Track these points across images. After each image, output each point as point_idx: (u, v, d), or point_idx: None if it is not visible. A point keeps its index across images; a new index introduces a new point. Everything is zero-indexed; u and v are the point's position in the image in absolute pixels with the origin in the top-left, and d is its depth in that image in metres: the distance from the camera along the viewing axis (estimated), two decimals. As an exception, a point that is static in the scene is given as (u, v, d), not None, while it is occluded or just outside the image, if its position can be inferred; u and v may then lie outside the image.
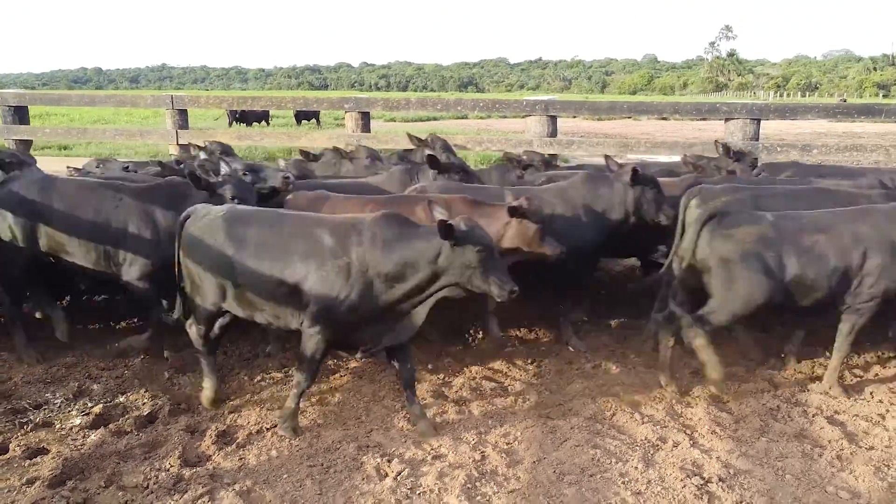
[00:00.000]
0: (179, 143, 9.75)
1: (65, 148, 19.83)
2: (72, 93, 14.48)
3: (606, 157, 6.10)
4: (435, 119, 41.02)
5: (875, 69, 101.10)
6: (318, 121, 33.69)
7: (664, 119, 41.53)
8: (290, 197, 5.67)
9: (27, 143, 11.16)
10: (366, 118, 9.76)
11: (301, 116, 33.18)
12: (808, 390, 5.15)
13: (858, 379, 5.36)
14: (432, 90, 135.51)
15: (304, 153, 8.00)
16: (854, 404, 4.92)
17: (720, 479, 3.98)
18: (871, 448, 4.34)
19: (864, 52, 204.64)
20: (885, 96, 75.92)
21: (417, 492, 3.89)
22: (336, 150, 8.01)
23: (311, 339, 4.32)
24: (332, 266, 4.18)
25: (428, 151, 6.79)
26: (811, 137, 25.61)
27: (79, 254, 5.48)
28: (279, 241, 4.35)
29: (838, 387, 5.06)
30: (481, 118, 42.71)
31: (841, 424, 4.63)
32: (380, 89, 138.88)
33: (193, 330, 4.83)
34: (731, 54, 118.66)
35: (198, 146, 7.73)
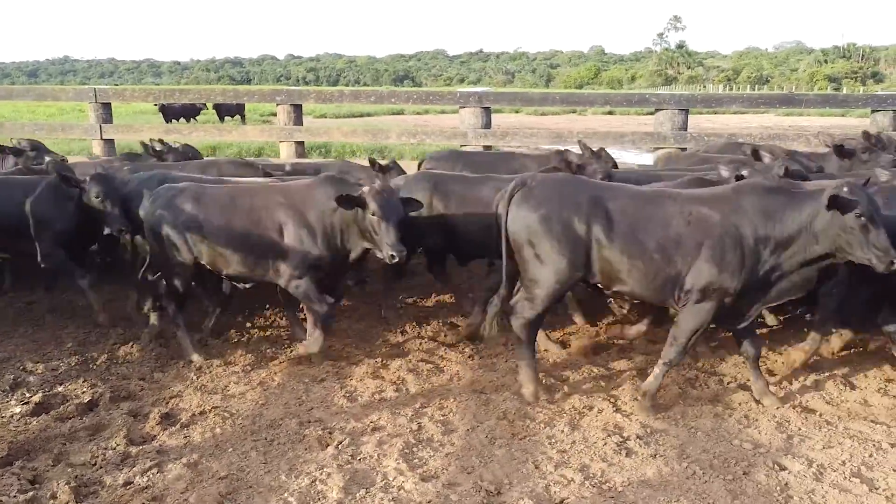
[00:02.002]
0: (104, 137, 10.10)
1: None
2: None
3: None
4: (369, 115, 41.66)
5: (826, 61, 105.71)
6: (242, 117, 33.86)
7: (610, 113, 43.10)
8: None
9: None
10: (298, 111, 10.28)
11: (224, 112, 33.31)
12: (725, 362, 5.94)
13: (773, 352, 6.16)
14: (365, 84, 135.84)
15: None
16: (765, 374, 5.69)
17: (638, 437, 4.68)
18: (778, 406, 5.12)
19: (816, 43, 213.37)
20: (836, 89, 79.49)
21: (358, 458, 4.47)
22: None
23: None
24: None
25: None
26: (756, 130, 27.11)
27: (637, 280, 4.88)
28: None
29: None
30: (418, 113, 43.39)
31: (751, 390, 5.40)
32: (308, 83, 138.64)
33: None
34: (681, 46, 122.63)
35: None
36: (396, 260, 5.37)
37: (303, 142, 10.29)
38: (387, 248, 5.35)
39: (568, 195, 4.90)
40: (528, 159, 7.74)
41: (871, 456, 4.43)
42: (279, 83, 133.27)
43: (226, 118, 33.27)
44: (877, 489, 4.07)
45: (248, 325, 6.81)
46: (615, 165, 7.24)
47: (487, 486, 4.13)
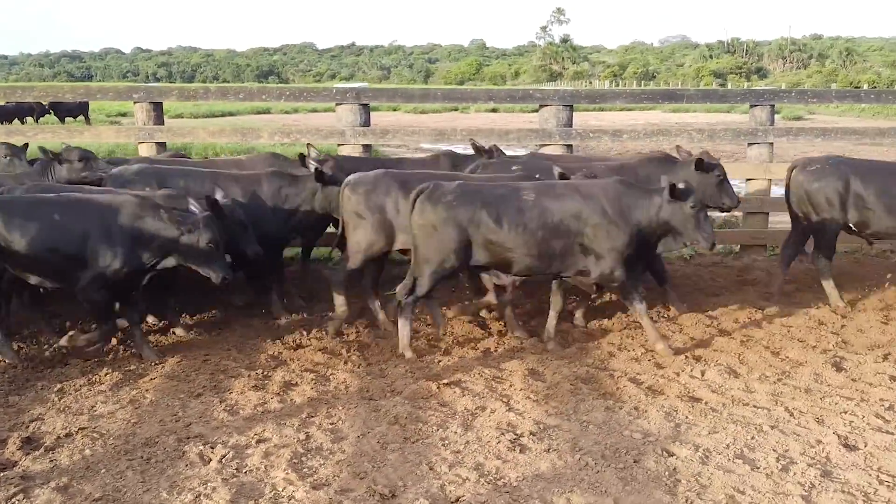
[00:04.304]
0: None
1: None
2: None
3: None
4: (231, 114, 41.09)
5: (711, 57, 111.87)
6: (86, 117, 32.71)
7: (494, 111, 44.26)
8: None
9: None
10: (158, 109, 10.23)
11: (64, 112, 32.04)
12: (615, 358, 6.45)
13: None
14: (225, 81, 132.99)
15: None
16: (653, 368, 6.25)
17: (532, 434, 5.07)
18: (666, 398, 5.64)
19: (700, 38, 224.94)
20: (721, 84, 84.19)
21: (244, 470, 4.65)
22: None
23: None
24: None
25: None
26: (642, 127, 28.57)
27: None
28: None
29: None
30: (286, 112, 43.12)
31: (640, 383, 5.91)
32: (159, 80, 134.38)
33: None
34: (565, 40, 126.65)
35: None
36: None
37: (164, 143, 10.25)
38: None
39: None
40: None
41: (753, 438, 4.98)
42: (126, 80, 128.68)
43: (67, 119, 32.01)
44: (758, 468, 4.60)
45: (115, 341, 6.80)
46: None
47: (382, 490, 4.39)
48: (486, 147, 8.37)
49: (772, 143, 9.81)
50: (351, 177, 7.02)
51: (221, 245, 6.21)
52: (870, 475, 4.52)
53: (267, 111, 43.40)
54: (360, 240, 6.91)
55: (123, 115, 35.84)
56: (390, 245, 6.94)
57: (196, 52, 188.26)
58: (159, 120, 10.25)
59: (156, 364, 6.31)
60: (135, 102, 10.29)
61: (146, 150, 10.05)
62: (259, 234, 6.89)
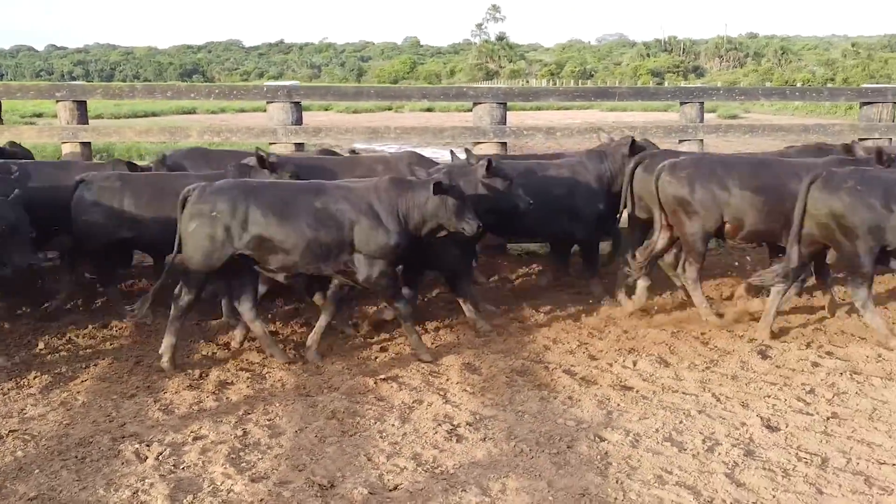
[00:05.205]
0: None
1: None
2: None
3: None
4: (154, 114, 40.67)
5: (648, 55, 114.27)
6: (-1, 118, 31.95)
7: (429, 110, 44.70)
8: None
9: None
10: (82, 108, 10.23)
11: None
12: (551, 350, 6.76)
13: (596, 339, 7.07)
14: (147, 80, 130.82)
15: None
16: (587, 360, 6.58)
17: (468, 424, 5.33)
18: (599, 387, 5.97)
19: (637, 37, 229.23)
20: (659, 83, 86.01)
21: (181, 467, 4.80)
22: None
23: None
24: None
25: None
26: (577, 126, 29.18)
27: None
28: None
29: None
30: (212, 112, 42.84)
31: (574, 374, 6.23)
32: (76, 79, 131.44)
33: None
34: (501, 38, 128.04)
35: None
36: None
37: (89, 142, 10.26)
38: None
39: None
40: None
41: (681, 422, 5.33)
42: (40, 79, 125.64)
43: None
44: (685, 450, 4.95)
45: (42, 345, 6.86)
46: None
47: (320, 481, 4.60)
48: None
49: (702, 140, 10.29)
50: (667, 161, 7.42)
51: (466, 199, 6.49)
52: (790, 453, 4.89)
53: (193, 111, 43.05)
54: (692, 228, 7.21)
55: (39, 115, 35.16)
56: (718, 227, 7.20)
57: (115, 50, 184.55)
58: (83, 119, 10.26)
59: (85, 367, 6.40)
60: (57, 101, 10.29)
61: (69, 151, 10.05)
62: (588, 216, 7.87)
